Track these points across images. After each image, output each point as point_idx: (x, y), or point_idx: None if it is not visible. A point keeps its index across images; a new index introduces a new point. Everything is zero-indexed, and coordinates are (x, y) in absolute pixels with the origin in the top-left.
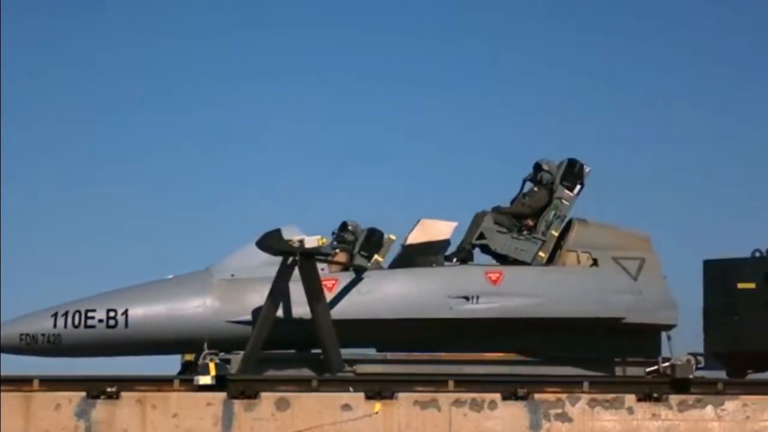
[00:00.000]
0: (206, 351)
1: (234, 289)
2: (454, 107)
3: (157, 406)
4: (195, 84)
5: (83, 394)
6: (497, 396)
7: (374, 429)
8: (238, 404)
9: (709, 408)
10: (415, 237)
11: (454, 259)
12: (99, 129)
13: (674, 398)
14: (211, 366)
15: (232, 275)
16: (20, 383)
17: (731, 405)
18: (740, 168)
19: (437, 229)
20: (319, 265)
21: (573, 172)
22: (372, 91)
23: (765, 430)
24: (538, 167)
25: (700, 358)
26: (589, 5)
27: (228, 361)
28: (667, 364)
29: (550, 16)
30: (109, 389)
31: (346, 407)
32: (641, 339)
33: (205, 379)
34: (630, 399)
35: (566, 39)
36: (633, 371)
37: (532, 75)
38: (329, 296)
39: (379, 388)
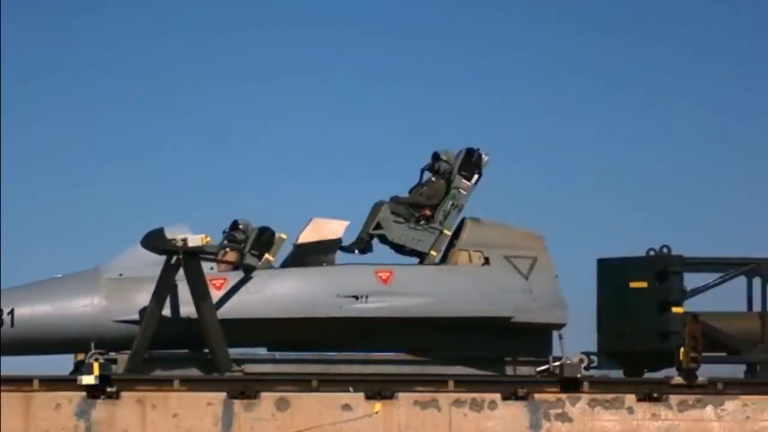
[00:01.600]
0: (93, 351)
1: (122, 289)
2: (454, 107)
3: (157, 406)
4: (195, 84)
5: (83, 394)
6: (497, 396)
7: (374, 429)
8: (238, 404)
9: (709, 408)
10: (307, 236)
11: (356, 251)
12: (99, 129)
13: (674, 398)
14: (95, 366)
15: (121, 274)
16: (20, 383)
17: (731, 405)
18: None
19: (329, 228)
20: (209, 264)
21: (471, 162)
22: (372, 91)
23: (765, 430)
24: (436, 157)
25: (594, 357)
26: (589, 5)
27: (114, 361)
28: (557, 363)
29: (550, 16)
30: (109, 389)
31: (346, 407)
32: (533, 338)
33: (88, 379)
34: (630, 399)
35: (566, 39)
36: (524, 371)
37: (532, 75)
38: (218, 295)
39: (379, 388)
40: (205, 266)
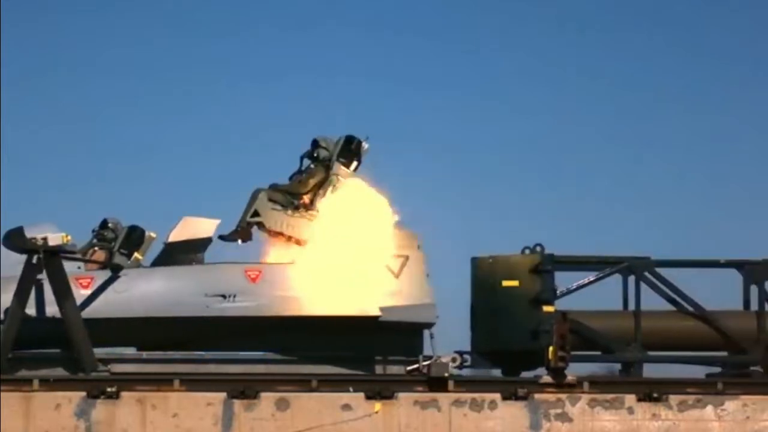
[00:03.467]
0: None
1: None
2: (455, 107)
3: (157, 406)
4: (195, 84)
5: (83, 394)
6: (497, 396)
7: (374, 429)
8: (238, 404)
9: (709, 408)
10: (177, 235)
11: (238, 240)
12: (99, 129)
13: (674, 398)
14: None
15: None
16: (20, 383)
17: (731, 405)
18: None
19: (199, 227)
20: (76, 264)
21: (350, 149)
22: (372, 91)
23: (765, 430)
24: (315, 143)
25: (467, 357)
26: (590, 5)
27: None
28: (427, 363)
29: (550, 16)
30: (109, 389)
31: (346, 407)
32: (405, 337)
33: None
34: (630, 399)
35: (566, 39)
36: (394, 370)
37: (532, 75)
38: (85, 294)
39: (379, 388)
40: (74, 265)
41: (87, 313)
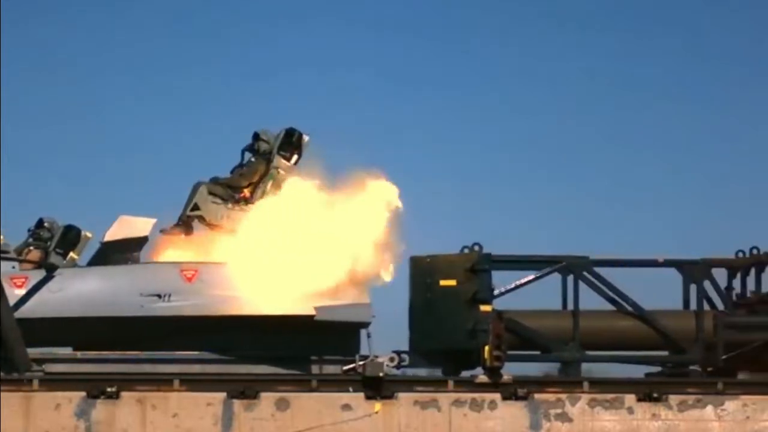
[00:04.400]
0: None
1: None
2: (454, 107)
3: (157, 406)
4: (195, 84)
5: (83, 394)
6: (497, 396)
7: (374, 429)
8: (238, 404)
9: (709, 408)
10: (113, 234)
11: (183, 234)
12: (98, 128)
13: (674, 398)
14: None
15: None
16: (20, 383)
17: (731, 405)
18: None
19: (135, 226)
20: (10, 264)
21: (291, 142)
22: (372, 90)
23: (765, 430)
24: (256, 137)
25: (405, 356)
26: (590, 5)
27: None
28: (363, 362)
29: (550, 16)
30: (109, 389)
31: (346, 407)
32: (341, 337)
33: None
34: (630, 399)
35: (566, 39)
36: (330, 369)
37: (532, 75)
38: (19, 294)
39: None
40: (8, 265)
41: (21, 312)
